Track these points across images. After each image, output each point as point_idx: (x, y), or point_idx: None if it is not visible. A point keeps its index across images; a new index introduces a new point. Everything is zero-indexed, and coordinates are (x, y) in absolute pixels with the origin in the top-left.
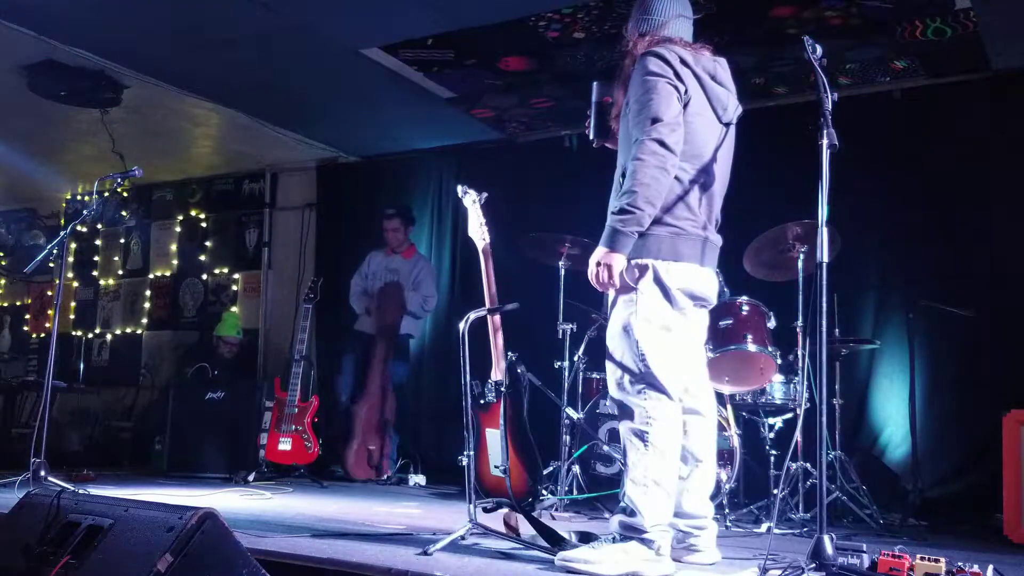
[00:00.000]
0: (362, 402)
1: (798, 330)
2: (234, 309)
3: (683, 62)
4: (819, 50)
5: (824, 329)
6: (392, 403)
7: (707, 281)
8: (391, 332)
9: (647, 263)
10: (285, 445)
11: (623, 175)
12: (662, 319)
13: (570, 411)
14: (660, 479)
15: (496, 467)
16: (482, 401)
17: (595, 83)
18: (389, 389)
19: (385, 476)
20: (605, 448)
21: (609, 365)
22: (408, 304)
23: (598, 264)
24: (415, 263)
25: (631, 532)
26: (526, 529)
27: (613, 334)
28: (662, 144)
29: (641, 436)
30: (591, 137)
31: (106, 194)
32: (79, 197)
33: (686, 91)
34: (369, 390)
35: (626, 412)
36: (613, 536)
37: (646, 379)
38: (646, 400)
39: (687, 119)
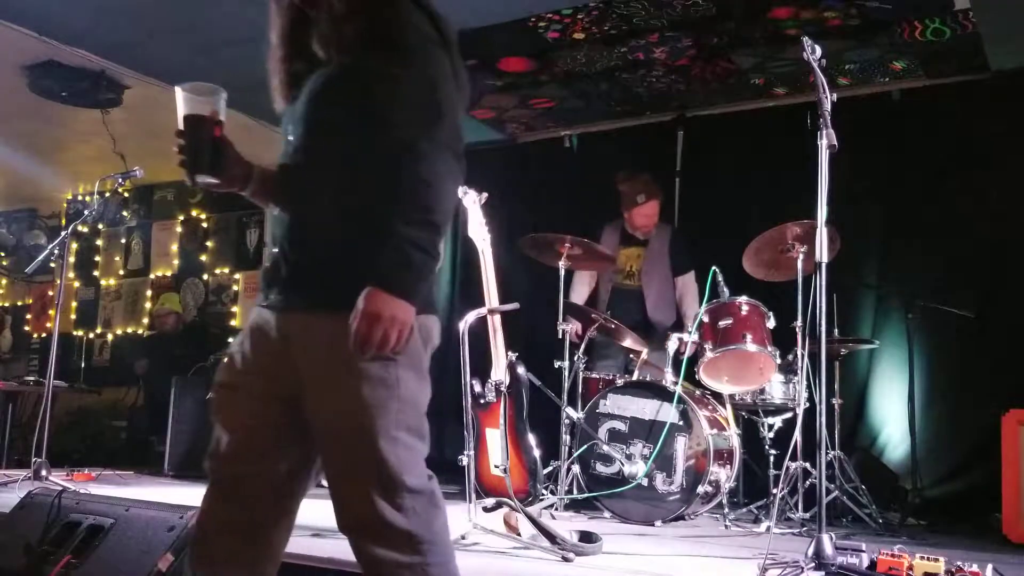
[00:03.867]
0: None
1: (797, 330)
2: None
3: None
4: (818, 51)
5: (824, 329)
6: None
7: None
8: None
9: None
10: None
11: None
12: (422, 398)
13: (570, 411)
14: None
15: (496, 467)
16: (482, 401)
17: (180, 89)
18: None
19: None
20: (605, 448)
21: (340, 472)
22: None
23: (386, 318)
24: None
25: None
26: (526, 529)
27: (348, 422)
28: (457, 156)
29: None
30: (191, 173)
31: (107, 194)
32: (80, 197)
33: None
34: None
35: (381, 535)
36: None
37: (409, 485)
38: (416, 515)
39: None
